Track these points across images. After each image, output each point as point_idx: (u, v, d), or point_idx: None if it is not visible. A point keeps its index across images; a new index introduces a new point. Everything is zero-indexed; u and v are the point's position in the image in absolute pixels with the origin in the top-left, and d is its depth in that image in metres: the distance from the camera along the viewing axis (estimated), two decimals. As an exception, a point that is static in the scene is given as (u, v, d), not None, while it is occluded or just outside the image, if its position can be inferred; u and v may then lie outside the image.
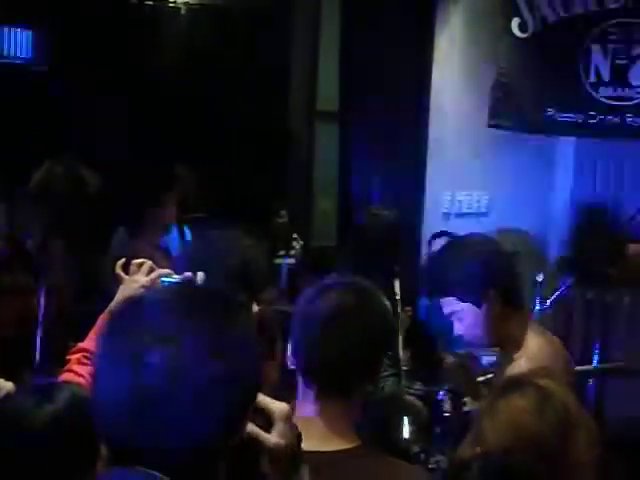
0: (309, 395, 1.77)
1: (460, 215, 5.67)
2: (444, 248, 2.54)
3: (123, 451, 1.16)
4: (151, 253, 4.42)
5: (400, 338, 3.28)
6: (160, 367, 1.11)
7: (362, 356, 1.77)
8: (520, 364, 2.33)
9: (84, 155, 6.88)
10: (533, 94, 5.44)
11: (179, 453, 1.12)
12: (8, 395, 2.10)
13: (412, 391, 3.52)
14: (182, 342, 1.12)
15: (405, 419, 2.93)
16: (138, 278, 2.12)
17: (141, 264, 2.15)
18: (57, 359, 4.24)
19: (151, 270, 2.12)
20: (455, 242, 2.59)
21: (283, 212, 6.02)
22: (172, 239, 5.79)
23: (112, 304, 2.17)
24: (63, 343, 4.78)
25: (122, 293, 2.15)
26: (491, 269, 2.39)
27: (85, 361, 2.10)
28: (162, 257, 4.35)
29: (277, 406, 1.31)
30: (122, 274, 2.16)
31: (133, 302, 1.26)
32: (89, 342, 2.14)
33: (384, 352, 1.90)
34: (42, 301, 3.99)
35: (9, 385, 2.01)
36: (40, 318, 3.95)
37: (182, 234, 6.08)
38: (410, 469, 1.85)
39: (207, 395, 1.12)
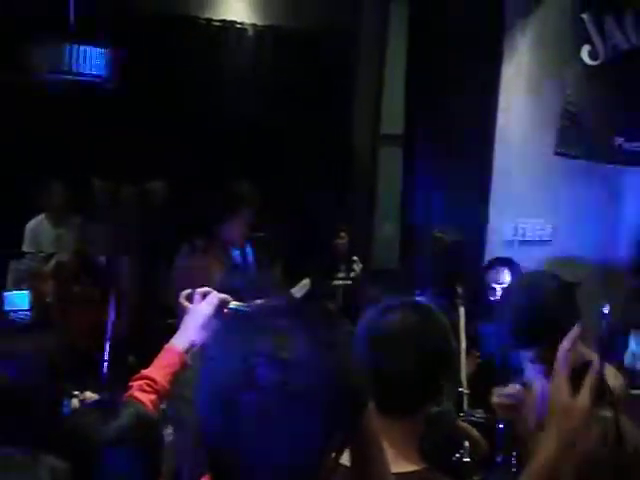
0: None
1: (523, 243, 5.60)
2: (527, 293, 2.49)
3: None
4: (217, 270, 4.49)
5: (463, 371, 3.23)
6: (266, 357, 1.14)
7: (425, 376, 1.79)
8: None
9: (152, 172, 7.04)
10: (601, 123, 5.36)
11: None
12: (75, 410, 2.15)
13: (473, 418, 3.47)
14: (294, 338, 1.17)
15: (466, 443, 2.89)
16: (202, 307, 2.15)
17: (205, 293, 2.17)
18: (120, 373, 4.32)
19: (215, 299, 2.15)
20: (536, 285, 2.53)
21: (343, 234, 6.03)
22: (234, 257, 5.84)
23: (178, 334, 2.20)
24: (125, 357, 4.88)
25: (187, 323, 2.19)
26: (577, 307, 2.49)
27: (147, 389, 2.13)
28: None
29: None
30: (187, 304, 2.19)
31: (239, 313, 1.31)
32: (152, 370, 2.17)
33: (446, 372, 1.90)
34: (111, 315, 4.05)
35: (95, 397, 2.09)
36: (108, 331, 4.02)
37: (244, 252, 6.14)
38: None
39: (319, 393, 1.14)
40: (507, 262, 4.83)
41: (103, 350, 3.99)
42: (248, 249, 6.01)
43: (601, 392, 1.54)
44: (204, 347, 1.29)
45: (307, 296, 3.42)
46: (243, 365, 1.15)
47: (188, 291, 2.22)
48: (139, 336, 4.99)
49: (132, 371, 4.42)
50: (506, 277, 4.70)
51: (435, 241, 3.62)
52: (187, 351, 2.17)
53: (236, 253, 5.86)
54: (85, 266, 4.81)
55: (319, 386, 1.15)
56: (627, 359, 4.96)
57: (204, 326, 2.14)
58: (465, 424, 2.94)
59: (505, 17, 5.50)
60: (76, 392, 2.20)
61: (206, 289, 2.18)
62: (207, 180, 7.07)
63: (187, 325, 2.19)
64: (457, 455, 2.83)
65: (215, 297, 2.16)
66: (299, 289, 3.86)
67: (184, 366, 2.16)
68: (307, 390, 1.14)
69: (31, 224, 6.32)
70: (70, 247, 5.56)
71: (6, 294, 2.78)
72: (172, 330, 3.92)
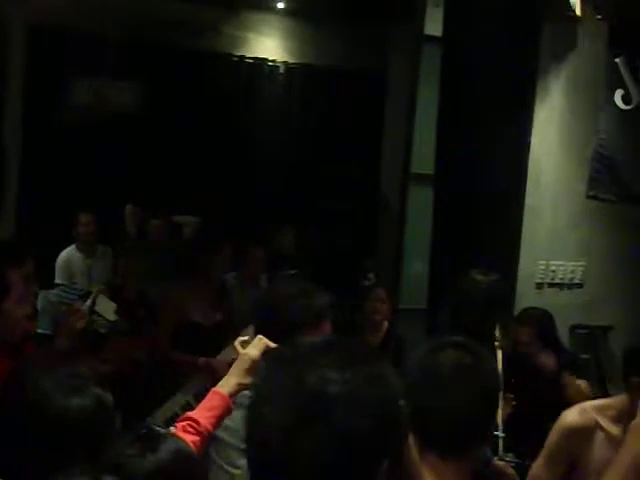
0: (423, 455, 1.76)
1: (553, 285, 5.57)
2: None
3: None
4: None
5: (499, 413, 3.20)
6: (319, 395, 1.18)
7: (478, 415, 1.80)
8: None
9: (181, 205, 7.10)
10: (633, 166, 5.36)
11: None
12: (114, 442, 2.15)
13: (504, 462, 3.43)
14: (339, 373, 1.20)
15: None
16: (250, 352, 2.19)
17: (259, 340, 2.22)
18: (153, 406, 4.31)
19: (262, 344, 2.19)
20: None
21: (371, 275, 6.01)
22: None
23: (225, 378, 2.22)
24: (159, 391, 4.88)
25: (235, 367, 2.22)
26: None
27: (190, 430, 2.14)
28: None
29: None
30: (239, 348, 2.23)
31: (290, 347, 1.33)
32: (197, 412, 2.19)
33: (494, 414, 1.91)
34: (146, 346, 4.07)
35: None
36: (144, 363, 4.03)
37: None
38: None
39: (354, 419, 1.18)
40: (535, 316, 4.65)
41: (136, 381, 3.99)
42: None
43: None
44: (252, 385, 1.34)
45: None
46: (292, 402, 1.19)
47: (245, 338, 2.26)
48: (168, 369, 5.00)
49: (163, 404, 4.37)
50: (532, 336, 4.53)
51: (474, 282, 3.58)
52: (232, 395, 2.19)
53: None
54: (117, 298, 4.82)
55: (365, 420, 1.18)
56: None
57: (250, 371, 2.17)
58: (502, 463, 2.89)
59: (539, 61, 5.53)
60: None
61: (259, 336, 2.22)
62: (234, 215, 7.14)
63: (234, 369, 2.22)
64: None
65: (263, 342, 2.19)
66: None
67: (229, 410, 2.19)
68: (353, 423, 1.17)
69: (63, 255, 6.35)
70: (101, 278, 5.59)
71: (101, 295, 2.86)
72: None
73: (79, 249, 6.40)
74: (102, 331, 2.82)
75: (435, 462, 1.74)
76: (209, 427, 2.17)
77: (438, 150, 6.13)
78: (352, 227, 7.31)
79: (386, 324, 5.24)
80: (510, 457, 3.60)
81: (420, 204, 6.44)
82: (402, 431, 1.30)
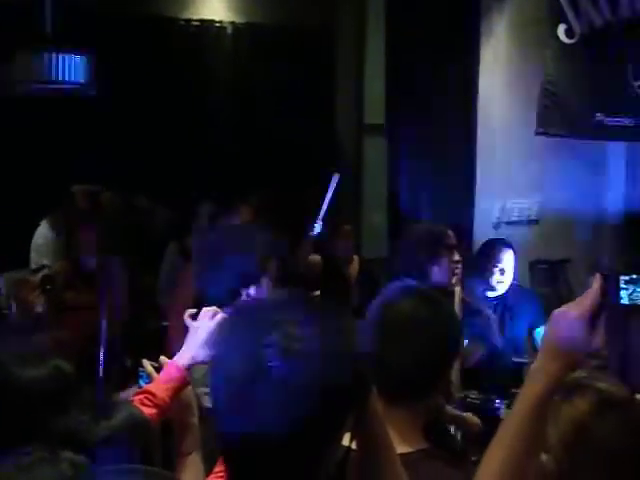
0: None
1: (511, 223, 5.63)
2: None
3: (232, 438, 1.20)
4: None
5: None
6: (277, 348, 1.17)
7: (431, 366, 1.82)
8: None
9: (133, 178, 7.04)
10: (581, 99, 5.38)
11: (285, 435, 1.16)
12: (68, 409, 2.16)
13: (469, 400, 3.51)
14: (302, 328, 1.19)
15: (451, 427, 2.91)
16: (206, 324, 2.20)
17: (214, 313, 2.23)
18: (116, 374, 4.33)
19: (221, 318, 2.19)
20: None
21: (347, 227, 5.91)
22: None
23: (181, 351, 2.23)
24: (120, 360, 4.90)
25: (190, 340, 2.24)
26: None
27: (147, 402, 2.15)
28: None
29: None
30: (190, 322, 2.24)
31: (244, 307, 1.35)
32: (153, 385, 2.19)
33: (451, 363, 1.95)
34: (104, 319, 4.07)
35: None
36: (103, 336, 4.04)
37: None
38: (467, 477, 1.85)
39: (320, 375, 1.17)
40: (505, 243, 4.71)
41: (98, 355, 4.01)
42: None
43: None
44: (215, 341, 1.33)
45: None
46: (255, 357, 1.17)
47: (193, 310, 2.26)
48: (133, 337, 5.02)
49: (129, 373, 4.42)
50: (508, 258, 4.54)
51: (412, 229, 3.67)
52: (188, 368, 2.21)
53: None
54: (77, 271, 4.82)
55: (329, 374, 1.17)
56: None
57: (206, 343, 2.19)
58: (449, 407, 2.92)
59: (481, 2, 5.53)
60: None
61: (214, 308, 2.22)
62: (188, 180, 7.10)
63: (190, 342, 2.24)
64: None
65: (221, 317, 2.20)
66: None
67: (185, 382, 2.19)
68: (317, 379, 1.16)
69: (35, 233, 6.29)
70: (62, 252, 5.55)
71: None
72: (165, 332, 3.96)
73: (46, 226, 6.35)
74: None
75: (383, 409, 1.77)
76: (166, 399, 2.16)
77: (388, 99, 6.15)
78: (309, 180, 7.28)
79: (357, 258, 5.44)
80: (475, 394, 3.68)
81: (375, 154, 6.46)
82: (367, 386, 1.30)
